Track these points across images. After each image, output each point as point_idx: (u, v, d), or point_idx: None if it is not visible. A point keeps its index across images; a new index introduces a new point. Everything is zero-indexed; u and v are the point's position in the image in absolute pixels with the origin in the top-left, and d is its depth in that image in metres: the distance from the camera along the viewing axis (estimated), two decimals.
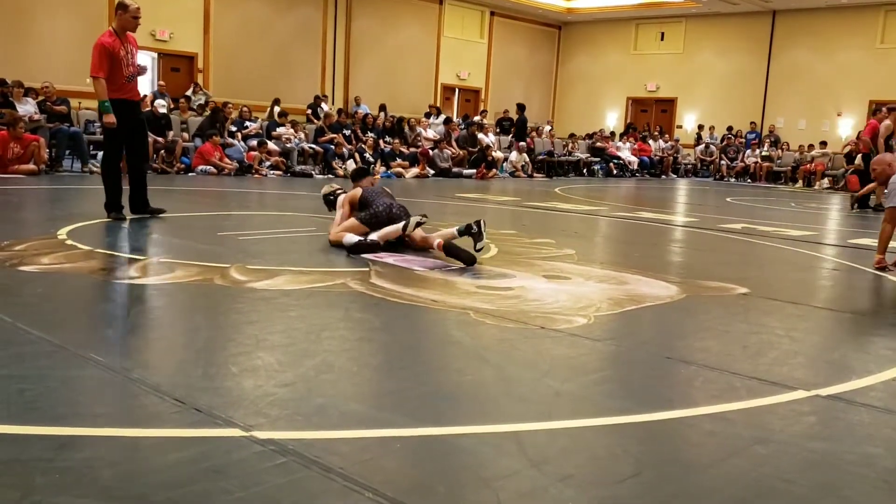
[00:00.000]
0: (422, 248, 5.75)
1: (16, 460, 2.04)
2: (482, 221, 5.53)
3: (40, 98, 12.24)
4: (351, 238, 5.65)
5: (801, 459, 2.34)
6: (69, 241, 5.37)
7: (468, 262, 5.34)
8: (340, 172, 14.21)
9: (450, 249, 5.42)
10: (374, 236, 5.65)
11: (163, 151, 12.67)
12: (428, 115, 19.66)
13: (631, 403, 2.75)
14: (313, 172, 14.17)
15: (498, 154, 17.78)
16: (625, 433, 2.50)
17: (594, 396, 2.83)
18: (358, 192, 6.14)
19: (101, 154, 11.15)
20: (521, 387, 2.89)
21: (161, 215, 7.05)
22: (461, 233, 5.56)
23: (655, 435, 2.52)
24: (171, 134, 13.00)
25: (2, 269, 4.41)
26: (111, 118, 6.65)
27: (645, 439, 2.47)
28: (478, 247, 5.50)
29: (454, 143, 17.35)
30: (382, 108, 18.01)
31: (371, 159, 15.11)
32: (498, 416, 2.57)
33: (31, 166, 10.67)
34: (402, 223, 5.64)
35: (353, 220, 5.88)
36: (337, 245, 5.74)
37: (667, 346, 3.61)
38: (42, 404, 2.43)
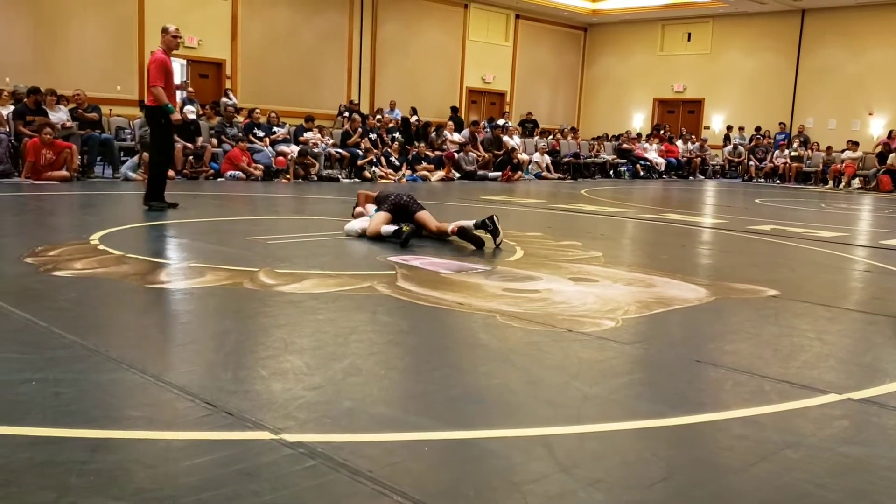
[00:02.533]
0: (437, 236, 6.47)
1: (51, 462, 2.07)
2: (495, 216, 6.26)
3: (71, 105, 12.43)
4: (388, 228, 6.30)
5: (834, 464, 2.31)
6: (101, 247, 5.45)
7: (478, 245, 6.10)
8: (368, 175, 14.27)
9: (463, 233, 6.19)
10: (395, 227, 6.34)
11: (192, 157, 12.80)
12: (453, 117, 19.69)
13: (660, 407, 2.74)
14: (340, 177, 14.24)
15: (523, 156, 17.76)
16: (654, 437, 2.48)
17: (623, 400, 2.82)
18: (372, 194, 7.10)
19: (131, 160, 11.47)
20: (549, 390, 2.88)
21: (175, 207, 8.03)
22: (476, 226, 6.27)
23: (685, 439, 2.51)
24: (199, 140, 13.13)
25: (36, 274, 4.48)
26: (177, 116, 8.00)
27: (675, 443, 2.46)
28: (497, 241, 6.22)
29: (479, 146, 17.35)
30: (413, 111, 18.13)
31: (397, 163, 15.16)
32: (526, 420, 2.57)
33: (64, 173, 10.84)
34: (392, 229, 6.29)
35: (383, 214, 6.52)
36: (375, 237, 6.32)
37: (696, 348, 3.58)
38: (76, 407, 2.47)
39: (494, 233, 6.24)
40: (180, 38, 8.16)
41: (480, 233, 6.28)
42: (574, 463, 2.22)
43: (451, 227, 6.34)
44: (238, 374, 2.87)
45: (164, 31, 8.11)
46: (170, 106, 7.86)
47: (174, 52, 8.04)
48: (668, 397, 2.86)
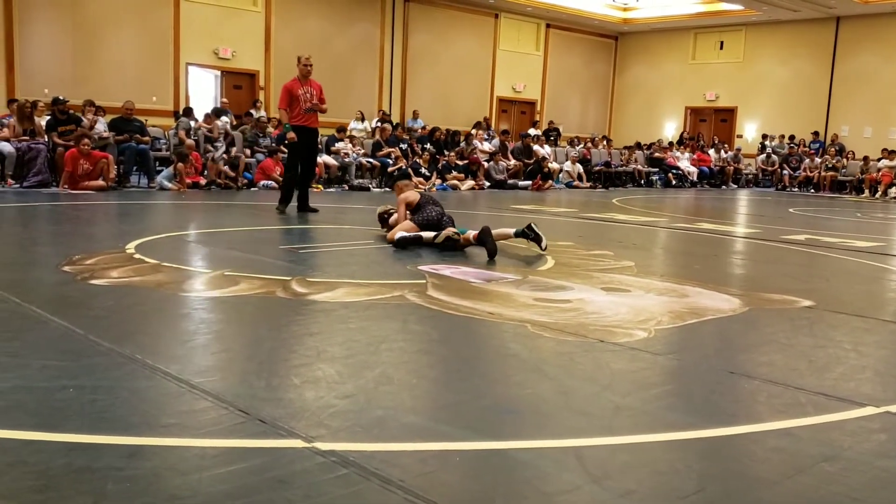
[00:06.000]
0: (466, 245, 6.47)
1: (88, 468, 2.11)
2: (532, 224, 6.42)
3: (114, 116, 12.64)
4: (401, 234, 6.46)
5: (871, 478, 2.27)
6: (137, 255, 5.53)
7: (491, 253, 6.05)
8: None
9: (480, 239, 6.21)
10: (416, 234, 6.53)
11: (226, 167, 12.93)
12: (481, 126, 19.69)
13: (693, 418, 2.71)
14: (371, 186, 14.32)
15: (554, 165, 17.72)
16: (687, 448, 2.46)
17: (656, 411, 2.80)
18: (416, 196, 6.96)
19: (166, 170, 11.87)
20: (581, 401, 2.87)
21: (315, 213, 9.30)
22: (517, 234, 6.43)
23: (719, 450, 2.48)
24: (234, 150, 13.27)
25: (74, 282, 4.56)
26: (292, 135, 9.16)
27: (708, 455, 2.44)
28: (542, 246, 6.36)
29: (510, 155, 17.34)
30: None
31: (427, 173, 15.20)
32: (558, 430, 2.56)
33: (100, 182, 11.01)
34: (434, 234, 6.47)
35: (409, 223, 6.65)
36: (392, 243, 6.48)
37: (729, 360, 3.54)
38: (113, 414, 2.51)
39: (537, 239, 6.38)
40: (310, 65, 9.30)
41: (523, 242, 6.53)
42: (606, 474, 2.21)
43: (472, 234, 6.40)
44: (271, 382, 2.90)
45: (297, 60, 9.37)
46: (287, 126, 9.21)
47: (314, 80, 9.45)
48: (702, 409, 2.83)
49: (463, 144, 17.04)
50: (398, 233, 6.52)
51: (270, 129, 14.38)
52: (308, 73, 9.28)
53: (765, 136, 21.94)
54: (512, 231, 6.46)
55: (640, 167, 19.69)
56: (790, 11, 20.42)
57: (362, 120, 17.23)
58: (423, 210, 6.74)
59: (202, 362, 3.18)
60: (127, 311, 3.99)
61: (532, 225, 6.44)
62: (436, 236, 6.43)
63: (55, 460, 2.14)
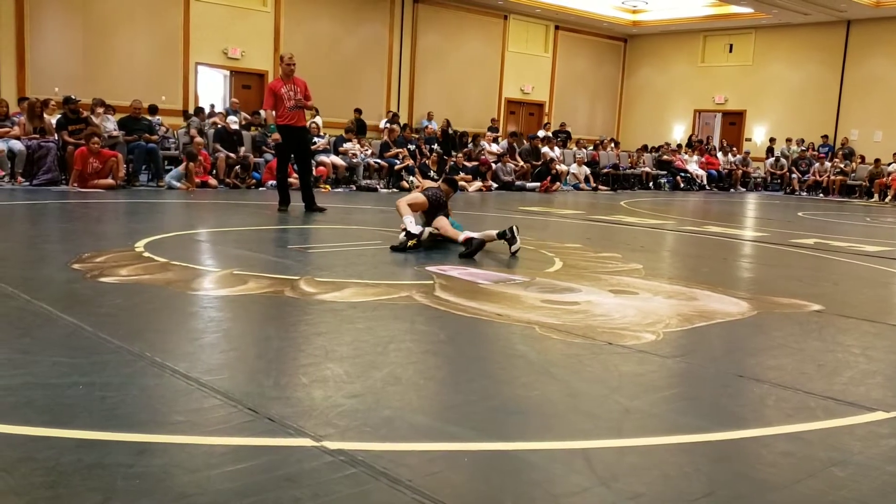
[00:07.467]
0: (450, 240, 6.62)
1: (98, 464, 2.11)
2: (514, 227, 6.45)
3: (122, 115, 12.67)
4: (409, 219, 6.42)
5: (882, 483, 2.26)
6: (146, 254, 5.55)
7: (463, 255, 6.11)
8: (406, 185, 14.34)
9: (466, 243, 6.27)
10: (414, 230, 6.43)
11: (238, 167, 12.96)
12: (492, 129, 19.72)
13: (702, 422, 2.71)
14: (378, 187, 14.32)
15: (562, 167, 17.70)
16: (696, 452, 2.46)
17: (664, 414, 2.79)
18: (424, 196, 7.06)
19: (175, 169, 11.93)
20: (589, 403, 2.87)
21: (323, 212, 9.27)
22: (499, 236, 6.41)
23: (728, 454, 2.48)
24: (242, 150, 13.29)
25: (83, 280, 4.58)
26: (276, 136, 9.49)
27: (717, 458, 2.43)
28: (512, 249, 6.37)
29: (518, 157, 17.33)
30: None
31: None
32: (566, 432, 2.56)
33: (110, 181, 11.05)
34: (421, 229, 6.55)
35: (419, 194, 6.92)
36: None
37: (738, 363, 3.53)
38: (122, 411, 2.52)
39: (511, 241, 6.37)
40: (293, 64, 9.26)
41: (500, 243, 6.46)
42: (614, 476, 2.20)
43: (462, 236, 6.43)
44: (280, 381, 2.90)
45: (280, 59, 9.45)
46: (272, 126, 9.53)
47: (299, 77, 9.39)
48: (710, 412, 2.83)
49: (471, 146, 17.04)
50: (406, 216, 6.49)
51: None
52: (291, 71, 9.28)
53: (772, 140, 21.88)
54: (495, 233, 6.47)
55: (648, 170, 19.68)
56: (800, 14, 20.36)
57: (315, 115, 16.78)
58: (428, 188, 7.06)
59: (211, 360, 3.18)
60: (136, 308, 4.01)
61: (513, 227, 6.45)
62: (421, 232, 6.46)
63: (65, 456, 2.15)
